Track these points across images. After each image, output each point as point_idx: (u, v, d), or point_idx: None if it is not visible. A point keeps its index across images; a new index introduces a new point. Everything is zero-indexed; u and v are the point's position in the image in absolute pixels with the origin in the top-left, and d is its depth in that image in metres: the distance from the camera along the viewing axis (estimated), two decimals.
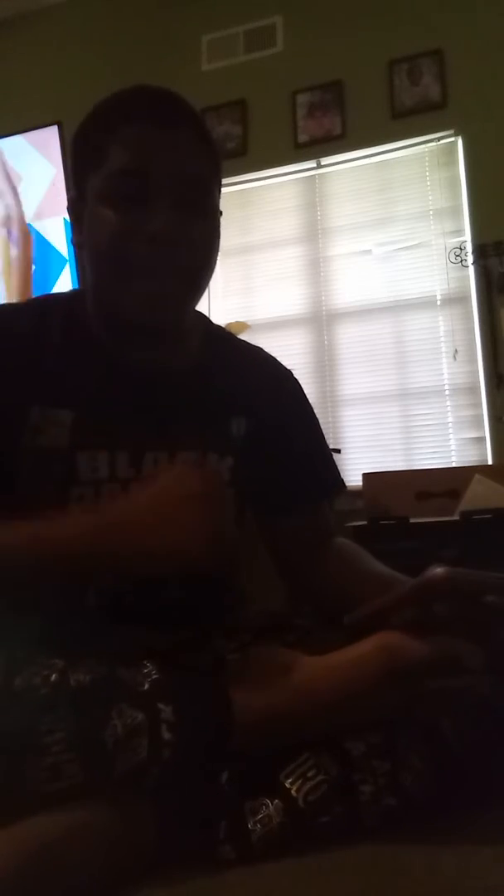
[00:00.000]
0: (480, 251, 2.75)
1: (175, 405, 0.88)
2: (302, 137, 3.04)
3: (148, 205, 0.79)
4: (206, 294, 0.90)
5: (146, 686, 0.63)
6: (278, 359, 1.05)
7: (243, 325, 2.71)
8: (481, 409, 2.75)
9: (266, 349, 1.04)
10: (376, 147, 2.96)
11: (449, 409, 2.82)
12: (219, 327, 1.02)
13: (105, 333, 0.88)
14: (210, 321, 0.98)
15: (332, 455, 1.04)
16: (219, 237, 0.86)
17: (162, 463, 0.85)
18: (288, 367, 1.03)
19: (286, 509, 0.98)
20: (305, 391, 1.04)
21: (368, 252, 2.99)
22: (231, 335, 1.02)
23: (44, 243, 2.89)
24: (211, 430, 0.90)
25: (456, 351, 2.80)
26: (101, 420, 0.83)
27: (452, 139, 2.88)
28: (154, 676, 0.64)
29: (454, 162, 2.88)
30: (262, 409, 0.95)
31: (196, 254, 0.83)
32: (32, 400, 0.82)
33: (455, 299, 2.84)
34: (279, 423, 0.97)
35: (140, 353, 0.87)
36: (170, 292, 0.81)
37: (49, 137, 2.85)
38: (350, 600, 0.89)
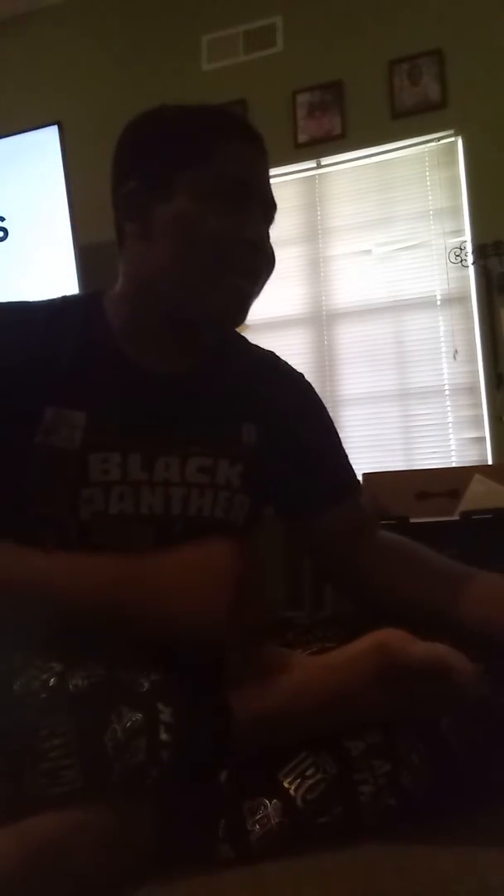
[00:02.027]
0: (480, 251, 2.75)
1: (188, 410, 0.88)
2: (302, 137, 3.04)
3: (245, 212, 0.84)
4: None
5: (145, 686, 0.63)
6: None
7: (243, 325, 2.70)
8: (481, 409, 2.75)
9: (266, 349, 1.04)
10: (376, 147, 2.96)
11: (449, 409, 2.82)
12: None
13: (131, 331, 0.88)
14: None
15: (346, 457, 1.04)
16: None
17: (173, 468, 0.85)
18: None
19: (314, 508, 0.97)
20: None
21: (368, 252, 2.99)
22: (242, 338, 1.02)
23: None
24: (223, 435, 0.90)
25: (456, 351, 2.80)
26: (114, 422, 0.83)
27: (452, 139, 2.88)
28: (153, 677, 0.64)
29: (454, 162, 2.88)
30: (279, 412, 0.95)
31: (270, 265, 0.89)
32: (46, 400, 0.82)
33: (455, 299, 2.84)
34: (299, 424, 0.97)
35: (162, 357, 0.87)
36: (249, 293, 0.87)
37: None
38: (405, 594, 0.88)
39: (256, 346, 1.02)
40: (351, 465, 1.02)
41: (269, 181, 0.89)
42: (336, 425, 1.04)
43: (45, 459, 0.81)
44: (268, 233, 0.89)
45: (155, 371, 0.87)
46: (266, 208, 0.88)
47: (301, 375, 1.03)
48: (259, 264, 0.86)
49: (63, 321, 0.87)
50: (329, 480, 0.98)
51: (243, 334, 1.01)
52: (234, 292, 0.84)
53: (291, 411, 0.97)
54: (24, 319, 0.87)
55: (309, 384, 1.03)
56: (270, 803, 0.65)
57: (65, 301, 0.92)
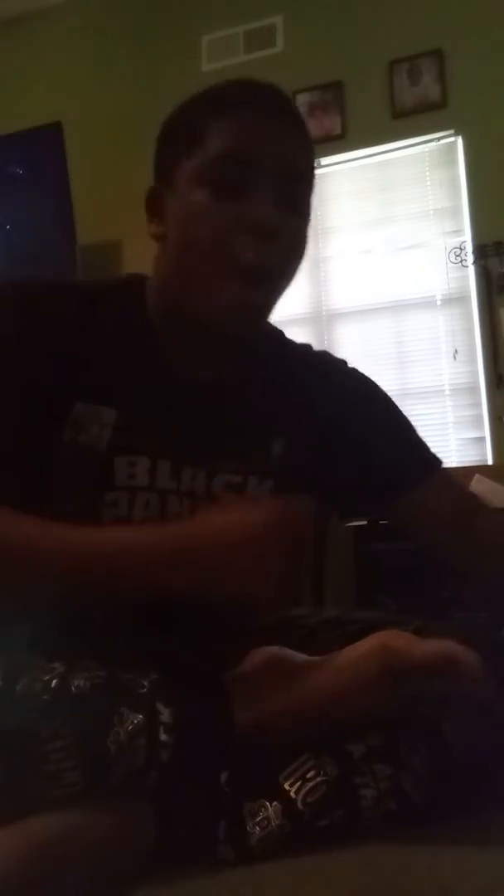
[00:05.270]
0: (480, 251, 2.75)
1: (217, 422, 0.83)
2: None
3: (249, 194, 0.74)
4: None
5: (146, 687, 0.63)
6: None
7: None
8: (481, 409, 2.75)
9: None
10: (376, 147, 2.96)
11: (449, 409, 2.82)
12: (270, 325, 0.94)
13: (165, 331, 0.83)
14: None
15: (418, 435, 0.96)
16: (307, 240, 0.82)
17: (199, 481, 0.82)
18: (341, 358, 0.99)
19: (391, 490, 0.90)
20: None
21: (368, 252, 2.98)
22: (279, 335, 0.96)
23: None
24: (252, 450, 0.85)
25: (456, 351, 2.80)
26: (143, 423, 0.79)
27: (452, 139, 2.88)
28: (153, 677, 0.64)
29: (454, 162, 2.88)
30: (325, 410, 0.90)
31: (290, 253, 0.79)
32: (76, 393, 0.77)
33: (455, 299, 2.84)
34: (352, 416, 0.91)
35: (196, 360, 0.82)
36: (257, 301, 0.77)
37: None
38: None
39: (298, 345, 0.96)
40: (426, 446, 0.94)
41: (291, 148, 0.77)
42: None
43: (72, 458, 0.77)
44: (291, 210, 0.77)
45: (186, 374, 0.82)
46: (284, 180, 0.75)
47: (347, 366, 0.97)
48: (269, 253, 0.74)
49: (98, 309, 0.81)
50: (401, 460, 0.91)
51: None
52: (231, 299, 0.75)
53: (340, 405, 0.91)
54: (54, 306, 0.80)
55: (359, 374, 0.97)
56: (271, 805, 0.64)
57: (102, 285, 0.86)
